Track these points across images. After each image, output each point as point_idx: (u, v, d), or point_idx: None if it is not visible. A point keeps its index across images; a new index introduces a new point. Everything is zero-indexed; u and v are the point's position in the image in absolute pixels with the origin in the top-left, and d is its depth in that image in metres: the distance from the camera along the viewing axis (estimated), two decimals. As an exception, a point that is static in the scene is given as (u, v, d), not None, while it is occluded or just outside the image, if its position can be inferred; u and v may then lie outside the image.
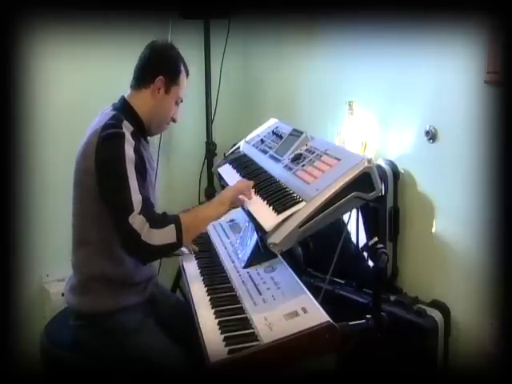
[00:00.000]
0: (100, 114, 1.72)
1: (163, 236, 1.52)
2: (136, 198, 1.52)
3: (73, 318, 1.69)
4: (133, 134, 1.63)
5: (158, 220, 1.54)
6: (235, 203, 1.68)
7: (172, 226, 1.53)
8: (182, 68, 1.76)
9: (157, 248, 1.51)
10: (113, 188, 1.56)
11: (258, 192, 1.69)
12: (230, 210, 1.68)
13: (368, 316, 1.58)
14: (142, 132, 1.73)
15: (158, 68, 1.72)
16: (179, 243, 1.54)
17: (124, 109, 1.71)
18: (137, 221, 1.49)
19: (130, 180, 1.54)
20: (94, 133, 1.61)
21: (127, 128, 1.64)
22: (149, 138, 1.81)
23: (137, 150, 1.60)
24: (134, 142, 1.60)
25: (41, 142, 2.42)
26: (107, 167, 1.57)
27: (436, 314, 1.85)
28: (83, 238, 1.68)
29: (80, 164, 1.64)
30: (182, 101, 1.80)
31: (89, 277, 1.66)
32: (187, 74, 1.80)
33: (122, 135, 1.59)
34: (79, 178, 1.65)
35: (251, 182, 1.73)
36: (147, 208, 1.54)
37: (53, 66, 2.41)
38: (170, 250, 1.56)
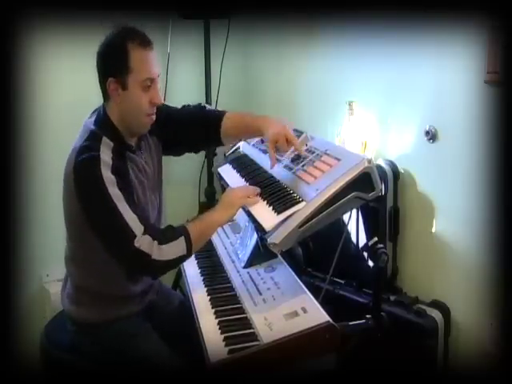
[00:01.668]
0: (83, 124, 1.62)
1: (173, 250, 1.49)
2: (132, 221, 1.46)
3: (69, 323, 1.68)
4: (114, 151, 1.53)
5: (165, 235, 1.51)
6: (244, 204, 1.62)
7: (182, 239, 1.50)
8: (129, 47, 1.51)
9: (168, 263, 1.49)
10: (104, 218, 1.48)
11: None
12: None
13: (368, 316, 1.58)
14: (124, 143, 1.61)
15: (103, 73, 1.56)
16: (189, 254, 1.52)
17: (104, 123, 1.59)
18: (144, 242, 1.44)
19: (118, 204, 1.46)
20: (73, 152, 1.54)
21: (106, 145, 1.53)
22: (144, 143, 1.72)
23: (116, 169, 1.50)
24: (111, 162, 1.50)
25: (41, 142, 2.43)
26: (90, 199, 1.50)
27: (436, 314, 1.85)
28: (71, 254, 1.66)
29: (64, 185, 1.59)
30: (151, 80, 1.55)
31: (79, 289, 1.65)
32: (143, 45, 1.53)
33: (97, 158, 1.48)
34: (64, 199, 1.61)
35: (257, 189, 1.66)
36: (149, 226, 1.51)
37: (53, 65, 2.42)
38: (180, 262, 1.55)
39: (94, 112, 1.67)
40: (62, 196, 1.61)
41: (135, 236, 1.44)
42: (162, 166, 1.81)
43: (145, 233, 1.46)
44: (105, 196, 1.46)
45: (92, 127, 1.58)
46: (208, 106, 1.86)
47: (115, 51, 1.53)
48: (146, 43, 1.55)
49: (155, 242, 1.46)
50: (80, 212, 1.52)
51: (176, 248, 1.50)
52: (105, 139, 1.54)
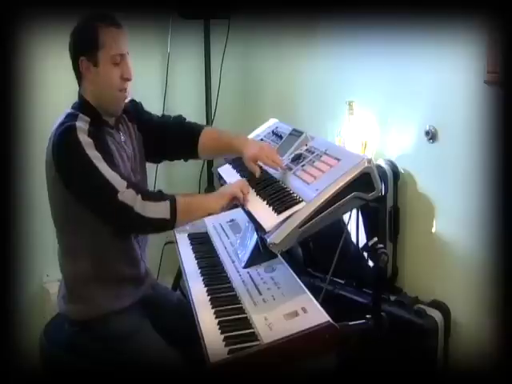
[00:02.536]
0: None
1: (157, 209, 1.52)
2: (113, 178, 1.50)
3: (67, 324, 1.68)
4: (91, 124, 1.57)
5: (151, 193, 1.56)
6: (234, 199, 1.65)
7: (167, 202, 1.53)
8: (97, 26, 1.58)
9: (149, 221, 1.51)
10: (85, 179, 1.52)
11: (257, 192, 1.69)
12: (228, 206, 1.66)
13: (368, 316, 1.58)
14: (102, 120, 1.65)
15: (75, 54, 1.61)
16: (172, 221, 1.54)
17: (80, 104, 1.65)
18: (127, 196, 1.49)
19: (98, 163, 1.50)
20: (51, 136, 1.59)
21: (83, 120, 1.57)
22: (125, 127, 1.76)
23: (93, 133, 1.53)
24: (87, 127, 1.54)
25: (41, 142, 2.41)
26: (69, 164, 1.54)
27: (436, 314, 1.85)
28: (61, 249, 1.68)
29: (46, 173, 1.63)
30: (121, 56, 1.60)
31: (72, 285, 1.65)
32: (113, 25, 1.60)
33: (72, 127, 1.52)
34: (48, 187, 1.65)
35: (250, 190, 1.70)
36: (131, 181, 1.55)
37: (53, 65, 2.41)
38: (161, 225, 1.55)
39: None
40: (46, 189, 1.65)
41: (118, 191, 1.49)
42: (143, 156, 1.83)
43: (128, 187, 1.50)
44: (83, 158, 1.50)
45: (68, 111, 1.63)
46: (187, 119, 1.92)
47: (86, 31, 1.60)
48: (115, 24, 1.61)
49: (139, 195, 1.50)
50: (63, 190, 1.55)
51: (160, 208, 1.52)
52: (81, 115, 1.59)
